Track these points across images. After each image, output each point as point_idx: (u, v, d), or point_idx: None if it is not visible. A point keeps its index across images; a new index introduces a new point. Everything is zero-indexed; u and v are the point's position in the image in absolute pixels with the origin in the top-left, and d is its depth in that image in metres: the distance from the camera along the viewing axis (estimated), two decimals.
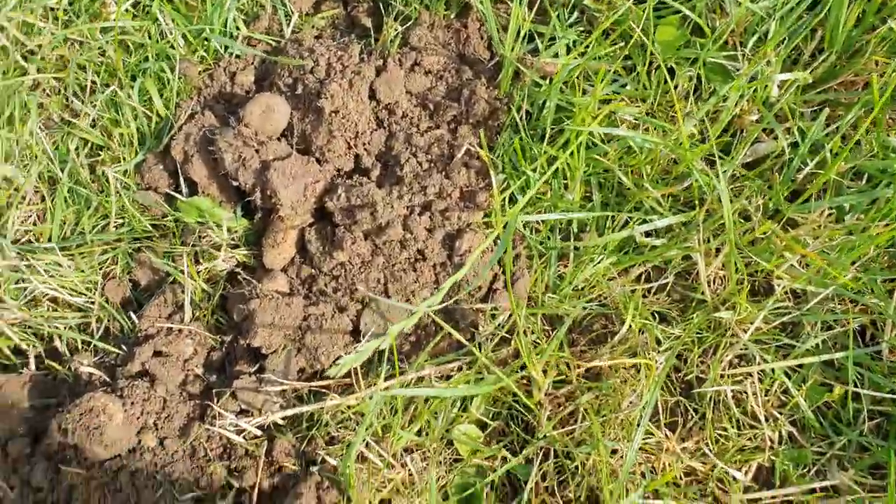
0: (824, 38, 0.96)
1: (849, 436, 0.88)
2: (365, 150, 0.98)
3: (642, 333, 0.91)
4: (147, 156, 1.03)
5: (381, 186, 0.95)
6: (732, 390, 0.90)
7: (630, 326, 0.90)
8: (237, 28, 1.08)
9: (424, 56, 1.01)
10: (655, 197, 0.93)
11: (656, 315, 0.94)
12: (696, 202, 0.93)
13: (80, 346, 1.00)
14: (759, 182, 0.94)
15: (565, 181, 0.95)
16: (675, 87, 0.98)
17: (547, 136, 0.94)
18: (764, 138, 0.97)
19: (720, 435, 0.90)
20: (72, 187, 1.03)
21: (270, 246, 0.97)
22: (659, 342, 0.91)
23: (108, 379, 0.96)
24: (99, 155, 1.04)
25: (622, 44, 1.00)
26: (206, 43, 1.06)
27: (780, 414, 0.90)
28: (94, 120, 1.05)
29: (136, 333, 0.97)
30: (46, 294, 1.00)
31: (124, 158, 1.03)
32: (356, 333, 0.92)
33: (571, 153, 0.91)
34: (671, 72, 1.00)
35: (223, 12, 1.06)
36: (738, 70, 0.97)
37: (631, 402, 0.88)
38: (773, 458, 0.89)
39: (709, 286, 0.93)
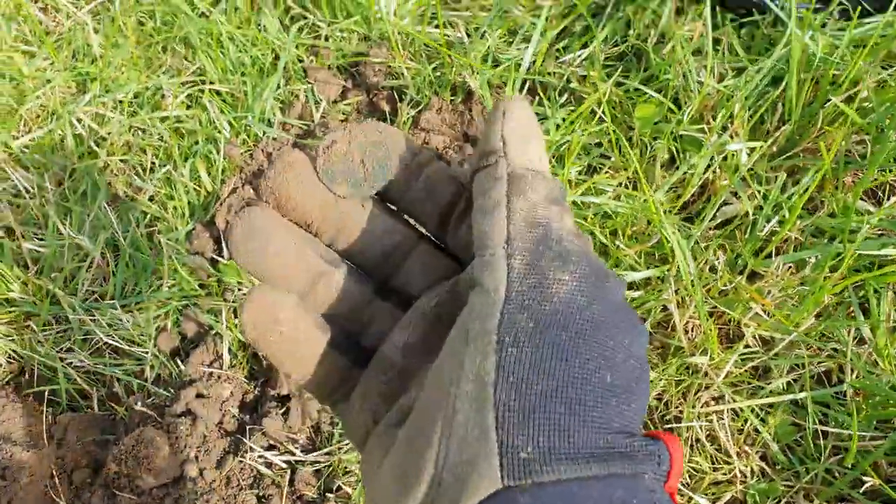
0: (783, 111, 1.08)
1: (814, 469, 0.96)
2: None
3: None
4: (196, 225, 1.19)
5: None
6: (706, 428, 0.99)
7: None
8: (274, 115, 1.25)
9: (432, 136, 1.16)
10: (632, 255, 1.05)
11: None
12: (670, 258, 1.04)
13: (135, 389, 1.15)
14: (726, 240, 1.05)
15: None
16: (653, 158, 1.10)
17: None
18: (733, 201, 1.08)
19: (695, 470, 0.99)
20: (132, 253, 1.20)
21: None
22: None
23: (158, 418, 1.10)
24: (156, 225, 1.22)
25: (607, 122, 1.13)
26: (247, 128, 1.24)
27: (751, 450, 0.99)
28: (152, 196, 1.23)
29: (183, 378, 1.12)
30: (109, 345, 1.16)
31: (177, 228, 1.20)
32: None
33: None
34: (650, 144, 1.13)
35: (262, 103, 1.24)
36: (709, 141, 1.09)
37: None
38: (744, 490, 0.98)
39: (685, 334, 1.03)
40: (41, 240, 1.22)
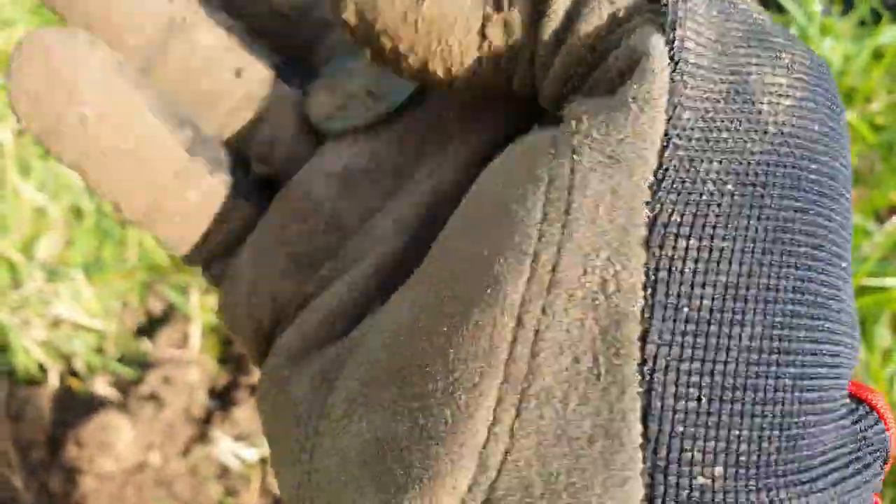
0: None
1: None
2: None
3: None
4: None
5: None
6: None
7: None
8: None
9: None
10: None
11: None
12: None
13: (97, 367, 1.10)
14: None
15: None
16: None
17: None
18: None
19: None
20: (97, 219, 1.12)
21: None
22: None
23: (121, 397, 1.05)
24: None
25: None
26: None
27: None
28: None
29: (148, 359, 1.07)
30: (69, 317, 1.10)
31: None
32: None
33: None
34: None
35: None
36: None
37: None
38: None
39: None
40: None
